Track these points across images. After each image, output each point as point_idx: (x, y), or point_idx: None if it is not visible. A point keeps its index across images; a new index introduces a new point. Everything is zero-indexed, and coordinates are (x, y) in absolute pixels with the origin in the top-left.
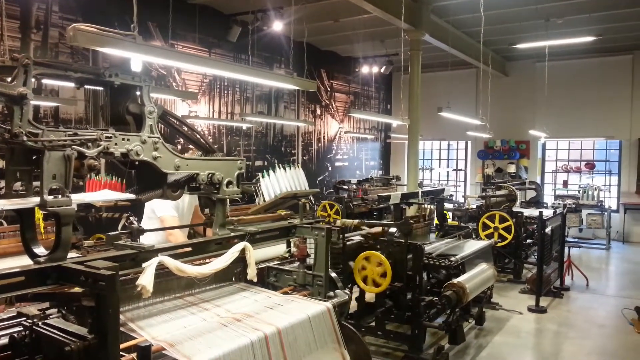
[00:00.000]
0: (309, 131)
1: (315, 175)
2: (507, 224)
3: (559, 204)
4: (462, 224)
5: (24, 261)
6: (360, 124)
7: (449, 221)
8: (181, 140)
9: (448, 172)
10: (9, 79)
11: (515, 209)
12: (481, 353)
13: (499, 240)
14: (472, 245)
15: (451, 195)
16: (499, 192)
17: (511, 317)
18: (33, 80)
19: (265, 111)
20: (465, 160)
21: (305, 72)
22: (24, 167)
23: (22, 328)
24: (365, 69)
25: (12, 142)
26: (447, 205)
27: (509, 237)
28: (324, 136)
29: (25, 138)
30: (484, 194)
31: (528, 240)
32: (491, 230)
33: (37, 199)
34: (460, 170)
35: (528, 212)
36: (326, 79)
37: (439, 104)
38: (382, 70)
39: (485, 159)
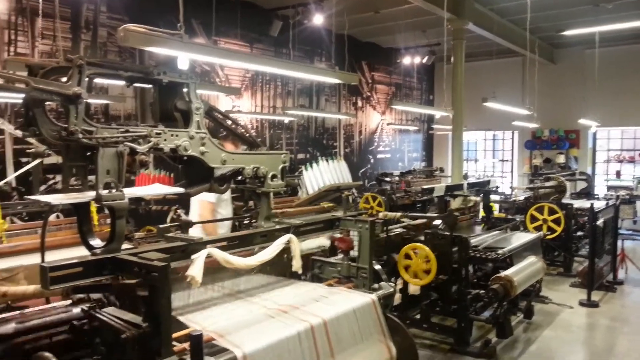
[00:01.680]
0: (350, 123)
1: (357, 167)
2: (556, 216)
3: (611, 195)
4: (509, 217)
5: (80, 252)
6: (402, 115)
7: (496, 213)
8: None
9: (494, 163)
10: (63, 79)
11: (565, 200)
12: (530, 347)
13: (548, 232)
14: (520, 238)
15: (497, 187)
16: (547, 184)
17: (561, 311)
18: (86, 79)
19: (306, 104)
20: (512, 150)
21: (346, 64)
22: (80, 163)
23: (81, 315)
24: (406, 60)
25: (68, 139)
26: (494, 197)
27: (559, 230)
28: (365, 128)
29: (80, 135)
30: (531, 186)
31: (579, 233)
32: (540, 222)
33: (92, 194)
34: (507, 161)
35: (578, 203)
36: (367, 71)
37: (483, 93)
38: (424, 60)
39: (533, 150)
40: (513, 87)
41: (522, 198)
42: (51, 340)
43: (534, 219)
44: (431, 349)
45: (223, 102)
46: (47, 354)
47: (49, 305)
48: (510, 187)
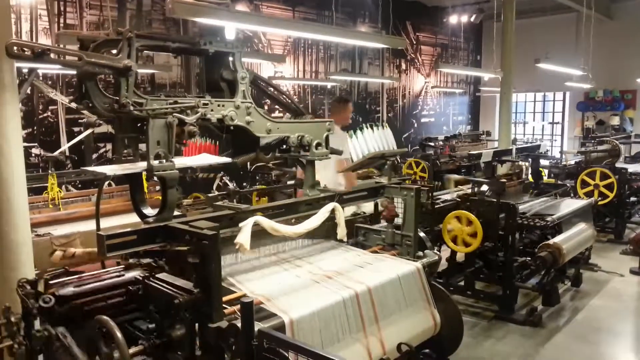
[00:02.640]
0: (393, 87)
1: (401, 132)
2: (609, 181)
3: None
4: (559, 182)
5: (130, 219)
6: (447, 77)
7: (545, 179)
8: (268, 101)
9: (543, 125)
10: (113, 51)
11: (619, 164)
12: (577, 316)
13: (600, 198)
14: (570, 204)
15: (547, 151)
16: (600, 147)
17: (611, 279)
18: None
19: (349, 68)
20: (563, 112)
21: (390, 26)
22: (131, 134)
23: (135, 280)
24: (453, 19)
25: (119, 111)
26: (543, 162)
27: (611, 195)
28: (409, 92)
29: (131, 108)
30: (583, 149)
31: (632, 198)
32: (591, 187)
33: (144, 164)
34: (557, 123)
35: (633, 168)
36: (411, 32)
37: (534, 52)
38: (472, 19)
39: (586, 111)
40: (566, 45)
41: (572, 162)
42: (106, 303)
43: (585, 184)
44: (475, 316)
45: (265, 69)
46: (104, 317)
47: (104, 270)
48: (560, 151)
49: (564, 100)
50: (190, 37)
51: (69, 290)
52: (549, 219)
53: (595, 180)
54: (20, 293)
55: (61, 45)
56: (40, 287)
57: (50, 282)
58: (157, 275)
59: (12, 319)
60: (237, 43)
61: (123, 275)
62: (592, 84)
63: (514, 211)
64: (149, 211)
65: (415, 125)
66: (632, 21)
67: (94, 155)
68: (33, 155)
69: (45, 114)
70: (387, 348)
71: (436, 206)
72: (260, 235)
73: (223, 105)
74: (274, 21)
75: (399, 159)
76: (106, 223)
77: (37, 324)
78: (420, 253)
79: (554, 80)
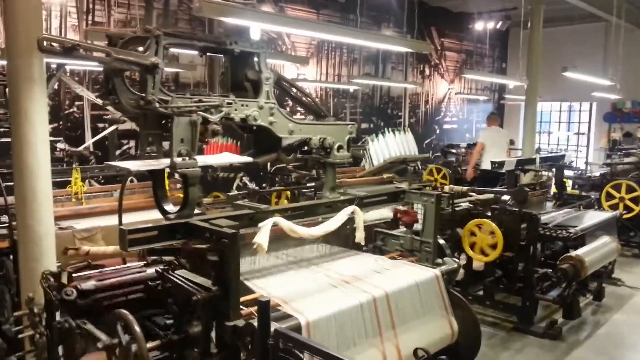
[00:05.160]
0: (416, 92)
1: (422, 138)
2: (635, 194)
3: None
4: (583, 193)
5: (151, 215)
6: (471, 84)
7: (569, 190)
8: (290, 103)
9: (568, 136)
10: (140, 49)
11: None
12: (598, 330)
13: (625, 211)
14: (594, 217)
15: (571, 162)
16: (626, 159)
17: (634, 294)
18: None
19: (372, 72)
20: (589, 123)
21: (415, 31)
22: (155, 131)
23: (155, 276)
24: (479, 26)
25: (145, 108)
26: (567, 173)
27: (637, 209)
28: (432, 97)
29: (157, 105)
30: (609, 161)
31: None
32: (616, 200)
33: (167, 161)
34: (583, 134)
35: None
36: (436, 37)
37: (560, 61)
38: (498, 26)
39: (612, 122)
40: (593, 54)
41: (597, 174)
42: (127, 298)
43: (610, 196)
44: (493, 327)
45: (288, 70)
46: (123, 311)
47: (125, 265)
48: (585, 162)
49: (590, 111)
50: (216, 37)
51: (91, 284)
52: (571, 230)
53: (620, 193)
54: (43, 285)
55: (90, 42)
56: (64, 279)
57: (74, 275)
58: (176, 272)
59: (35, 309)
60: (262, 43)
61: (144, 271)
62: (619, 95)
63: (536, 221)
64: (170, 208)
65: (438, 131)
66: None
67: (118, 152)
68: (58, 149)
69: (71, 110)
70: (403, 354)
71: (456, 213)
72: (279, 237)
73: (247, 105)
74: (300, 22)
75: (419, 165)
76: (127, 219)
77: (58, 316)
78: (440, 260)
79: (581, 90)
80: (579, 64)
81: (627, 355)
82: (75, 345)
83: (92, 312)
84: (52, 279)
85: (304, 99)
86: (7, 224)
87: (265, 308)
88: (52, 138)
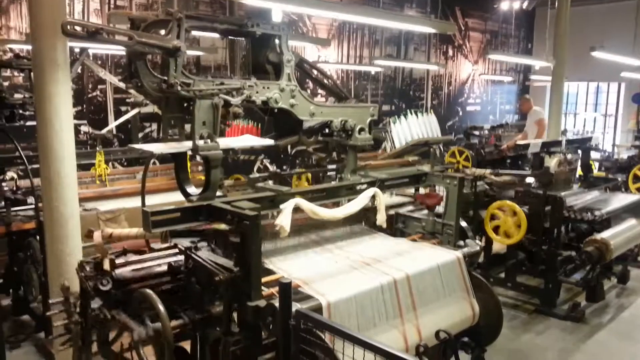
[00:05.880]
0: (439, 74)
1: (445, 119)
2: None
3: None
4: (610, 176)
5: (173, 197)
6: (496, 65)
7: (595, 172)
8: (311, 86)
9: (595, 117)
10: (162, 32)
11: None
12: (622, 313)
13: None
14: (621, 199)
15: (598, 144)
16: None
17: None
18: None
19: (394, 54)
20: (617, 104)
21: (439, 11)
22: (178, 114)
23: (179, 257)
24: (504, 5)
25: (167, 91)
26: (594, 155)
27: None
28: (455, 79)
29: (179, 88)
30: (637, 143)
31: None
32: None
33: (189, 144)
34: (610, 115)
35: None
36: (460, 18)
37: (588, 41)
38: (524, 5)
39: None
40: (623, 34)
41: (625, 156)
42: (161, 290)
43: (637, 179)
44: (515, 309)
45: (309, 52)
46: (147, 290)
47: (162, 253)
48: (613, 144)
49: (618, 92)
50: (238, 19)
51: (126, 273)
52: (597, 213)
53: None
54: (80, 274)
55: (112, 25)
56: (106, 266)
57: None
58: (199, 252)
59: (71, 298)
60: (284, 25)
61: (168, 252)
62: None
63: (561, 204)
64: (192, 190)
65: (461, 113)
66: None
67: (140, 134)
68: (82, 132)
69: (94, 93)
70: (424, 335)
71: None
72: (301, 219)
73: (268, 88)
74: (322, 3)
75: (442, 147)
76: (150, 201)
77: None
78: (461, 242)
79: (609, 70)
80: (607, 44)
81: None
82: (108, 332)
83: (126, 301)
84: (88, 268)
85: (325, 81)
86: (33, 206)
87: (286, 289)
88: (76, 121)
